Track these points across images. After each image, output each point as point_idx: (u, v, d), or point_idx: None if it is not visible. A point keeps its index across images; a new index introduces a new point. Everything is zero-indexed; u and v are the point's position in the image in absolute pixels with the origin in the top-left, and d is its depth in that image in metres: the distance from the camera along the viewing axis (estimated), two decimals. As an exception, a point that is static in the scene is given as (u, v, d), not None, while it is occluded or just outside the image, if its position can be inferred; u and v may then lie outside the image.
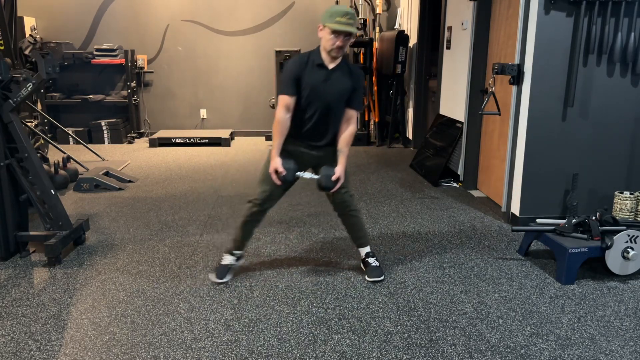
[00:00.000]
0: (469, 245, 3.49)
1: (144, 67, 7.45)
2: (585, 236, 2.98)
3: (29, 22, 6.94)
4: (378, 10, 7.24)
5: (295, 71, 2.67)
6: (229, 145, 7.10)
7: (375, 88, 7.11)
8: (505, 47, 4.19)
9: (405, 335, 2.38)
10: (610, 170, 3.69)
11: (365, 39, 6.96)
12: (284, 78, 2.72)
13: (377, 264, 2.99)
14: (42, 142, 5.22)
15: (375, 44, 7.09)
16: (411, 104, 6.95)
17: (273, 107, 7.53)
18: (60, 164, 4.93)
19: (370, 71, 7.05)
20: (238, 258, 3.00)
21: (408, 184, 5.09)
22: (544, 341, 2.33)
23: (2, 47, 4.36)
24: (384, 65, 6.86)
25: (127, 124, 7.46)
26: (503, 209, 3.97)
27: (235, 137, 7.72)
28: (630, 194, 3.37)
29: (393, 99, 6.91)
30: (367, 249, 3.05)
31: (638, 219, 3.35)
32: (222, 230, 3.75)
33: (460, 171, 5.03)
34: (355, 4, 7.27)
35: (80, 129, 7.17)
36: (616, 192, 3.42)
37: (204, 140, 7.09)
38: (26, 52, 6.44)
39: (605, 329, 2.44)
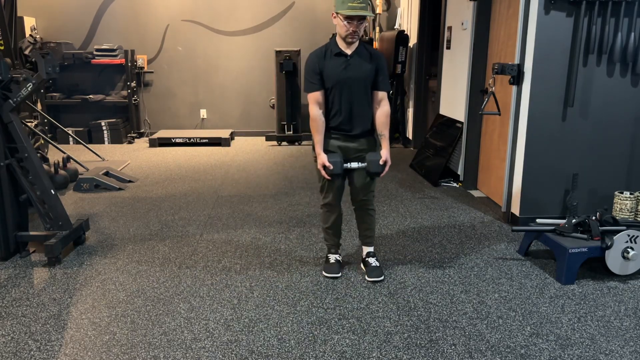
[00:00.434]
0: (469, 245, 3.49)
1: (144, 67, 7.45)
2: (585, 236, 2.98)
3: (29, 22, 6.94)
4: (378, 10, 7.24)
5: (316, 65, 2.69)
6: (229, 145, 7.10)
7: (375, 88, 7.10)
8: (505, 47, 4.19)
9: (405, 335, 2.38)
10: (610, 170, 3.69)
11: (365, 39, 6.95)
12: (306, 75, 2.74)
13: (377, 264, 2.99)
14: (42, 142, 5.22)
15: (375, 44, 7.09)
16: (411, 104, 6.95)
17: (273, 107, 7.54)
18: (60, 164, 4.94)
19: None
20: (340, 254, 3.13)
21: (408, 184, 5.09)
22: (544, 341, 2.33)
23: (2, 47, 4.36)
24: (384, 65, 6.85)
25: (127, 124, 7.46)
26: (503, 209, 3.97)
27: (235, 137, 7.72)
28: (630, 194, 3.36)
29: (393, 99, 6.91)
30: (370, 248, 3.06)
31: (638, 219, 3.34)
32: (222, 230, 3.75)
33: (460, 171, 5.03)
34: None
35: (80, 129, 7.17)
36: (616, 192, 3.42)
37: (204, 140, 7.09)
38: (26, 52, 6.43)
39: (605, 329, 2.44)
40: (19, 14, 5.51)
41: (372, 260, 3.00)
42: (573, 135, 3.61)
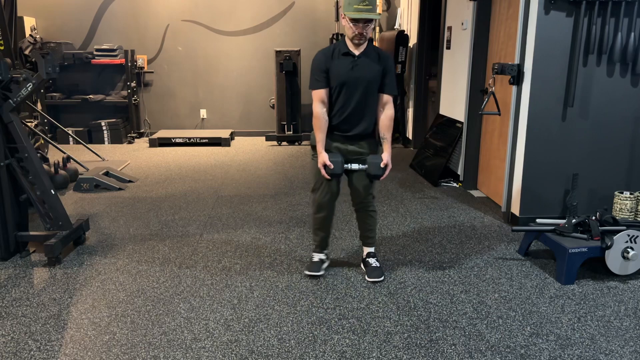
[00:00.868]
0: (469, 245, 3.49)
1: (144, 67, 7.45)
2: (585, 236, 2.98)
3: (29, 22, 6.94)
4: (378, 10, 7.23)
5: (323, 63, 2.68)
6: (229, 145, 7.10)
7: (375, 88, 7.10)
8: (505, 47, 4.19)
9: (405, 335, 2.38)
10: (610, 170, 3.69)
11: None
12: (312, 72, 2.72)
13: (378, 265, 2.99)
14: (42, 142, 5.22)
15: (375, 44, 7.09)
16: (411, 104, 6.95)
17: (273, 107, 7.54)
18: (60, 164, 4.94)
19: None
20: (327, 254, 3.08)
21: (408, 184, 5.09)
22: (544, 341, 2.33)
23: (2, 47, 4.36)
24: (384, 65, 6.85)
25: (127, 124, 7.46)
26: (503, 209, 3.97)
27: (235, 137, 7.72)
28: (630, 194, 3.37)
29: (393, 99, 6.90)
30: (371, 249, 3.06)
31: (638, 219, 3.35)
32: (222, 230, 3.76)
33: (460, 171, 5.03)
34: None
35: (80, 129, 7.17)
36: (616, 192, 3.42)
37: (204, 140, 7.09)
38: (26, 52, 6.44)
39: (605, 329, 2.44)
40: (19, 14, 5.51)
41: (373, 261, 3.00)
42: (573, 135, 3.61)
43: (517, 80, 3.67)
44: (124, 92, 7.34)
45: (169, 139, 7.05)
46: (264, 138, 7.55)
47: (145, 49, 7.46)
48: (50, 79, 4.01)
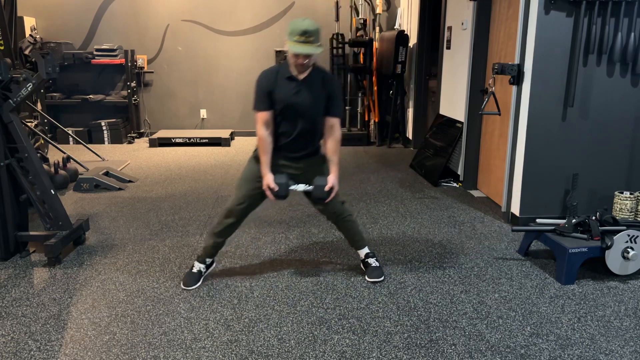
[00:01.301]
0: (469, 245, 3.49)
1: (144, 67, 7.45)
2: (585, 236, 2.98)
3: (29, 22, 6.94)
4: (378, 10, 7.24)
5: (265, 86, 2.60)
6: (229, 145, 7.10)
7: (375, 88, 7.11)
8: (505, 47, 4.19)
9: (405, 335, 2.38)
10: (610, 170, 3.69)
11: (365, 39, 6.96)
12: (256, 94, 2.63)
13: (378, 264, 2.99)
14: (42, 142, 5.22)
15: (375, 44, 7.09)
16: (411, 104, 6.95)
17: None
18: (60, 164, 4.94)
19: (370, 71, 7.05)
20: (208, 265, 2.95)
21: (408, 184, 5.09)
22: (544, 341, 2.33)
23: (2, 47, 4.36)
24: (384, 65, 6.86)
25: (127, 124, 7.46)
26: (503, 209, 3.97)
27: (235, 137, 7.72)
28: (630, 194, 3.37)
29: (393, 99, 6.91)
30: (366, 249, 3.04)
31: (638, 219, 3.35)
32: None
33: (460, 171, 5.03)
34: (355, 3, 7.27)
35: (80, 129, 7.17)
36: (616, 192, 3.42)
37: (204, 140, 7.09)
38: (26, 52, 6.43)
39: (605, 329, 2.44)
40: (19, 14, 5.51)
41: (372, 261, 3.00)
42: (573, 135, 3.61)
43: (517, 80, 3.67)
44: (124, 92, 7.34)
45: (169, 139, 7.05)
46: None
47: (145, 49, 7.46)
48: (50, 79, 4.01)
